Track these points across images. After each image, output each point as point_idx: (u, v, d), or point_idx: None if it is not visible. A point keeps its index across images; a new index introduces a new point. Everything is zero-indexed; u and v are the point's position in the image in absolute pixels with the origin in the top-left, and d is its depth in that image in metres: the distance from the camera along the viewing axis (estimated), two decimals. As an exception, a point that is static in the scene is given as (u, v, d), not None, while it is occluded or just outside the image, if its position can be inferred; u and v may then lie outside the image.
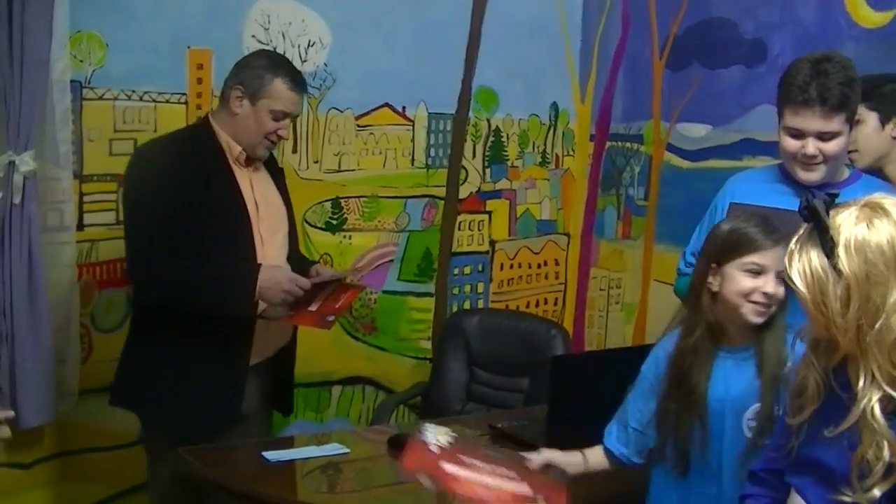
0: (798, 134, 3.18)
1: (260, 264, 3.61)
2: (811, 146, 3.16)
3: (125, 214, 3.78)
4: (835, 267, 2.06)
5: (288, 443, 3.78)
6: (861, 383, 2.08)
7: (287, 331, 3.91)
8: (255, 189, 3.79)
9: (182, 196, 3.59)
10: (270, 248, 3.76)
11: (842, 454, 2.13)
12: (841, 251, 2.05)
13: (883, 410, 2.05)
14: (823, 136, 3.14)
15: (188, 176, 3.63)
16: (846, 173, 3.31)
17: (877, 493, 2.06)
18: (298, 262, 3.97)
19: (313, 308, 3.71)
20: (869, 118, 3.48)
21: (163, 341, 3.66)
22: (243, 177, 3.77)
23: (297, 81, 3.75)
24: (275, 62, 3.79)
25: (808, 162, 3.19)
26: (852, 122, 3.21)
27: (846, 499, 2.11)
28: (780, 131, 3.25)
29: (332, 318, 3.74)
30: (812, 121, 3.14)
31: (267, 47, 4.58)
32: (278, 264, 3.76)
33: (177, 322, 3.59)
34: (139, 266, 3.65)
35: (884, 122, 3.48)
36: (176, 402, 3.66)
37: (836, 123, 3.13)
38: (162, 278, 3.58)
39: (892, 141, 3.49)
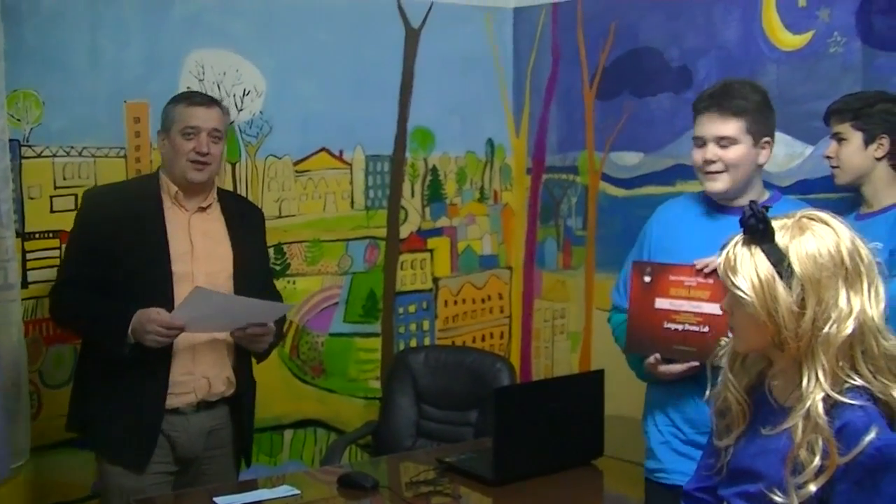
0: (701, 142, 3.31)
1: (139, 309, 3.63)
2: (710, 151, 3.28)
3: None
4: (787, 272, 2.15)
5: (240, 487, 3.77)
6: (805, 384, 2.16)
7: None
8: (194, 229, 3.82)
9: (109, 234, 3.73)
10: (208, 286, 3.67)
11: (773, 460, 2.21)
12: (793, 256, 2.16)
13: (825, 411, 2.14)
14: (721, 142, 3.26)
15: (120, 216, 3.77)
16: (766, 194, 3.38)
17: (812, 488, 2.13)
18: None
19: None
20: (854, 137, 3.56)
21: (98, 371, 3.80)
22: (180, 218, 3.83)
23: (195, 97, 3.91)
24: (175, 97, 3.94)
25: (709, 170, 3.30)
26: (756, 138, 3.29)
27: (777, 499, 2.18)
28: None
29: None
30: (709, 125, 3.28)
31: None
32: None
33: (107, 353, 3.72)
34: (53, 295, 3.87)
35: (868, 141, 3.55)
36: (106, 426, 3.79)
37: (731, 128, 3.25)
38: (65, 309, 3.85)
39: (874, 161, 3.56)
